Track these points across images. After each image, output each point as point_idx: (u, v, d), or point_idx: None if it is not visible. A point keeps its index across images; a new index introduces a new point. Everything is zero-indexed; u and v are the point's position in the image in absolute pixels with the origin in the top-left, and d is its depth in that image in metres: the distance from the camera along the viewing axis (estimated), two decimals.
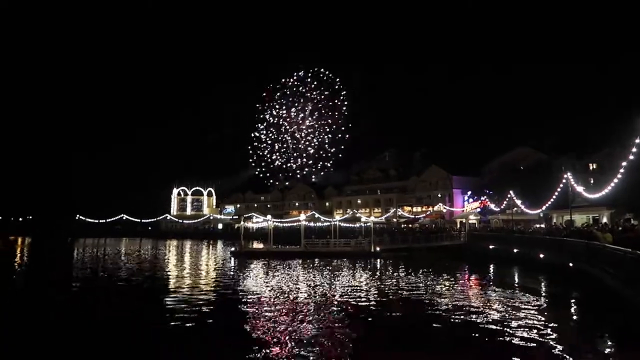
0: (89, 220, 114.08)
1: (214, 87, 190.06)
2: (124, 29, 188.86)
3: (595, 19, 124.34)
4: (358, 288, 21.85)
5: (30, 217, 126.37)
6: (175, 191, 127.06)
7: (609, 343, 12.39)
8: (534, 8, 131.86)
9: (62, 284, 24.83)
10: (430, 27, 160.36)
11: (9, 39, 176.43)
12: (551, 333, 12.86)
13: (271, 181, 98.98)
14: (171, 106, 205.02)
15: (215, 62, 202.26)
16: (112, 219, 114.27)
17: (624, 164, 20.47)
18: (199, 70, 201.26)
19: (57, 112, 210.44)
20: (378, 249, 41.83)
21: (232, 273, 29.35)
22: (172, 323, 14.56)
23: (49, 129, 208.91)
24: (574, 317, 16.43)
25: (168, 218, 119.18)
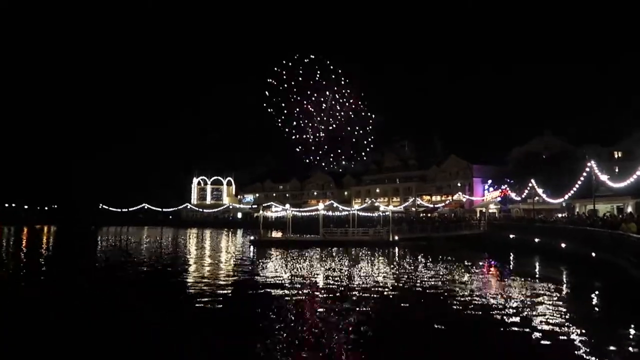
0: (112, 209, 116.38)
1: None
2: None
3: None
4: (376, 277, 21.85)
5: (55, 207, 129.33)
6: (195, 180, 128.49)
7: (633, 333, 12.16)
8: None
9: (88, 272, 25.47)
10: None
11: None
12: (572, 323, 12.67)
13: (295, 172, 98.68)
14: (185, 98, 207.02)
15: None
16: (134, 208, 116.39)
17: None
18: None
19: (81, 105, 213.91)
20: (396, 238, 41.71)
21: (251, 262, 29.63)
22: (190, 311, 14.79)
23: (71, 120, 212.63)
24: (597, 308, 16.16)
25: (188, 207, 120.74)
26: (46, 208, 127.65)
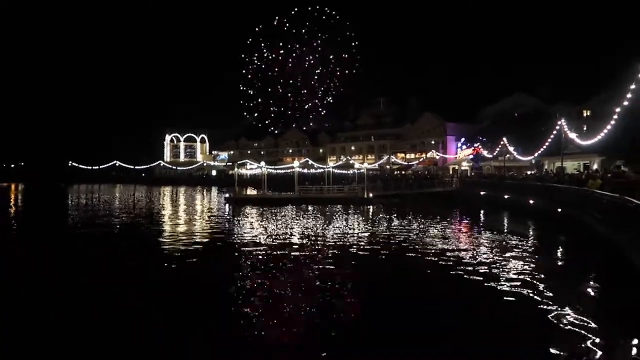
0: (82, 166, 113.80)
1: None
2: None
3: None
4: (351, 234, 22.24)
5: (22, 164, 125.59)
6: (168, 138, 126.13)
7: (593, 286, 12.84)
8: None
9: (55, 232, 25.14)
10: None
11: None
12: (537, 276, 13.27)
13: (270, 128, 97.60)
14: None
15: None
16: (105, 165, 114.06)
17: (617, 110, 20.48)
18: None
19: (49, 62, 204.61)
20: (371, 195, 42.26)
21: (227, 220, 29.70)
22: (165, 272, 14.86)
23: (41, 76, 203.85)
24: (560, 262, 16.92)
25: (162, 165, 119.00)
26: (12, 165, 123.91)
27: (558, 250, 18.46)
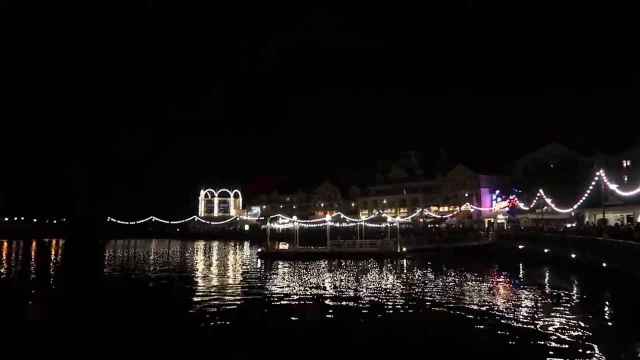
0: (120, 222, 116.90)
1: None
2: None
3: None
4: (384, 290, 21.73)
5: (64, 220, 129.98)
6: (202, 193, 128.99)
7: None
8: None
9: (95, 286, 25.55)
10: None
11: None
12: (584, 336, 12.51)
13: None
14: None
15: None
16: (142, 220, 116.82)
17: None
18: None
19: (86, 117, 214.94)
20: (404, 249, 41.50)
21: (259, 275, 29.55)
22: (199, 330, 14.77)
23: (80, 132, 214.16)
24: (608, 319, 15.96)
25: (196, 220, 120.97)
26: (55, 222, 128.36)
27: (605, 308, 17.44)
